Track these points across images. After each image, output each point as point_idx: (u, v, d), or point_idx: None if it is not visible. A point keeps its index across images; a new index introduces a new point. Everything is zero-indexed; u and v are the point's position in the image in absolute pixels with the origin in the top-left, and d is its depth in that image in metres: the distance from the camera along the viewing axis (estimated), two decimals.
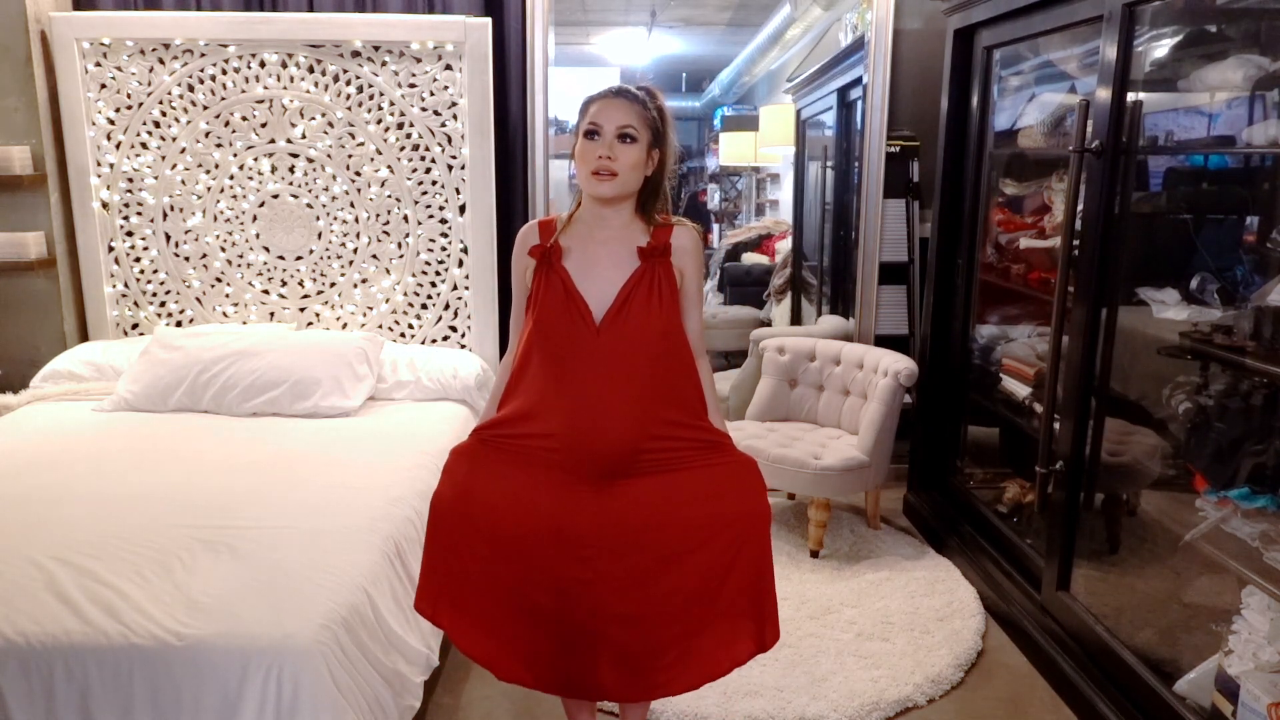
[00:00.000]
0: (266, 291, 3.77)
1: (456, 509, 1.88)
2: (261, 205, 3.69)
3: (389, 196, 3.67)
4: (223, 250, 3.72)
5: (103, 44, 3.54)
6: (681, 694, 1.96)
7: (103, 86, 3.58)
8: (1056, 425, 2.65)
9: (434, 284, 3.76)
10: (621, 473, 1.84)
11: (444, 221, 3.69)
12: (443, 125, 3.61)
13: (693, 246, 1.90)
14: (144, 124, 3.61)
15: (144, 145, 3.63)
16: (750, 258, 6.60)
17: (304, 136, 3.62)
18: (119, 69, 3.57)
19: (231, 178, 3.66)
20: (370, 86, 3.58)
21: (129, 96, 3.59)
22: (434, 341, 3.80)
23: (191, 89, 3.59)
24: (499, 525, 1.86)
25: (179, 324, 3.77)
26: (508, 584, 1.87)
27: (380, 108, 3.60)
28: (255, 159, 3.65)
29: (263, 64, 3.57)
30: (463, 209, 3.67)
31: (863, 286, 4.01)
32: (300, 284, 3.76)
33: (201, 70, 3.57)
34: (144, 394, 3.20)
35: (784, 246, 5.93)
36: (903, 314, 4.04)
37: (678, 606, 1.86)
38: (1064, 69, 3.10)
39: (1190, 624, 2.42)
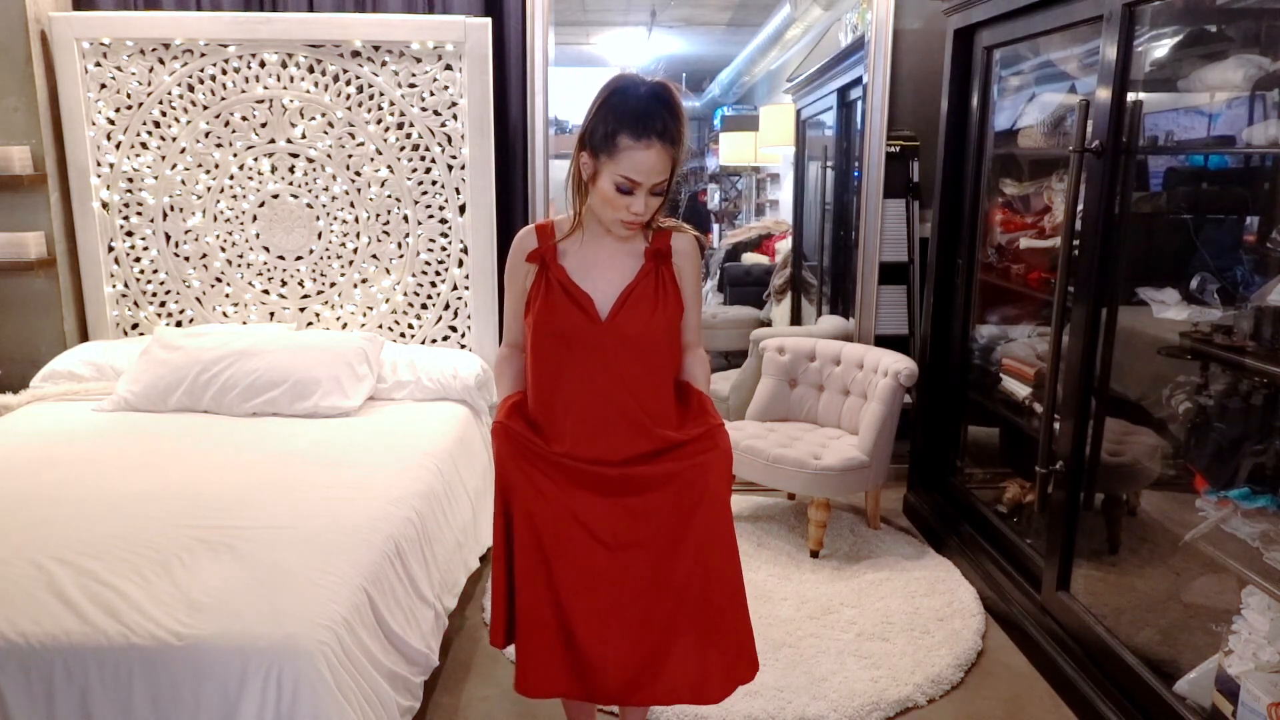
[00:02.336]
0: (266, 291, 3.77)
1: (516, 505, 1.91)
2: (261, 205, 3.69)
3: (389, 196, 3.67)
4: (223, 250, 3.72)
5: (103, 44, 3.54)
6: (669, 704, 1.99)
7: (103, 86, 3.58)
8: (1056, 425, 2.65)
9: (434, 284, 3.76)
10: (627, 463, 1.87)
11: (444, 221, 3.69)
12: (443, 125, 3.61)
13: (691, 250, 1.93)
14: (144, 124, 3.61)
15: (144, 145, 3.63)
16: (750, 258, 6.59)
17: (304, 136, 3.62)
18: (119, 69, 3.57)
19: (231, 178, 3.66)
20: (370, 86, 3.58)
21: (129, 96, 3.59)
22: (434, 341, 3.80)
23: (191, 89, 3.59)
24: (535, 526, 1.90)
25: (179, 324, 3.77)
26: (546, 586, 1.90)
27: (380, 108, 3.60)
28: (255, 159, 3.65)
29: (263, 64, 3.57)
30: (463, 209, 3.67)
31: (863, 286, 4.01)
32: (300, 284, 3.76)
33: (201, 70, 3.57)
34: (144, 394, 3.20)
35: (784, 246, 5.92)
36: (903, 314, 4.04)
37: (673, 603, 1.90)
38: (1064, 69, 3.10)
39: (1190, 624, 2.43)
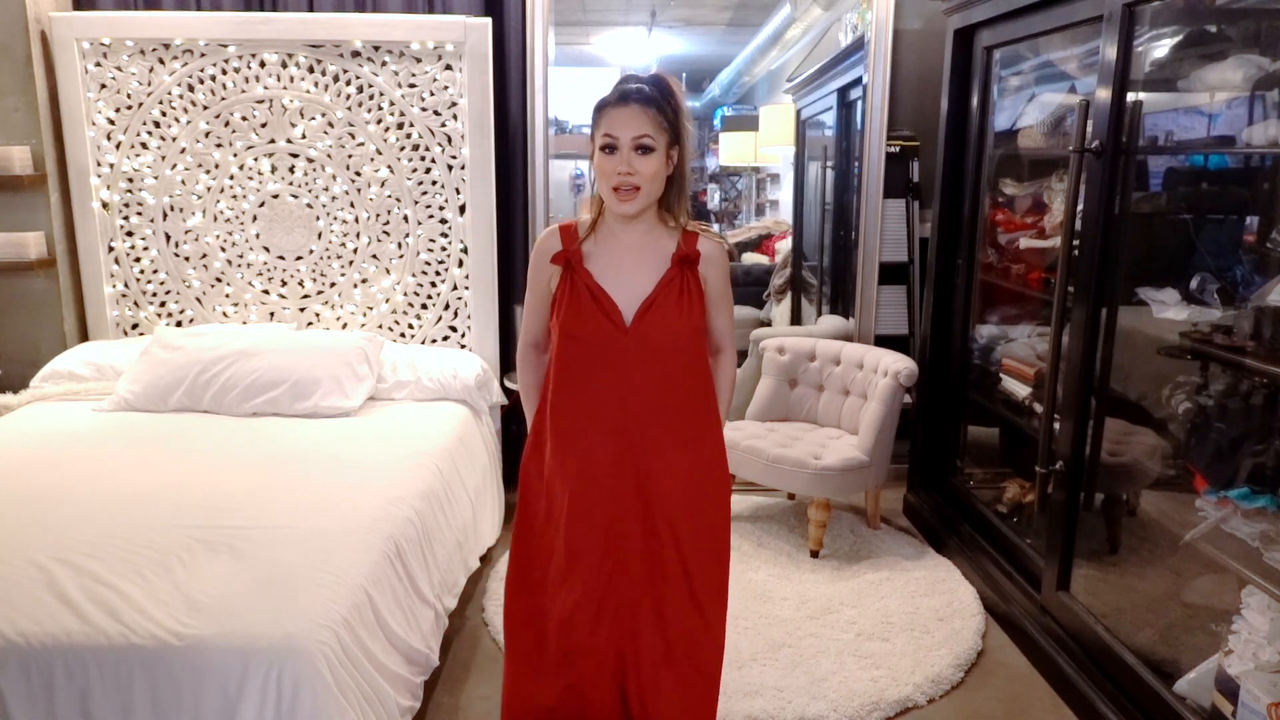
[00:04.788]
0: (266, 291, 3.77)
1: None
2: (261, 205, 3.69)
3: (389, 196, 3.67)
4: (223, 250, 3.72)
5: (103, 44, 3.54)
6: None
7: (103, 86, 3.58)
8: (1056, 425, 2.64)
9: (434, 284, 3.76)
10: (644, 470, 1.89)
11: (444, 221, 3.69)
12: (443, 125, 3.61)
13: (718, 256, 1.94)
14: (144, 124, 3.61)
15: (144, 145, 3.63)
16: (750, 258, 6.59)
17: (304, 136, 3.62)
18: (119, 69, 3.57)
19: (231, 178, 3.66)
20: (370, 86, 3.58)
21: (129, 96, 3.59)
22: (434, 341, 3.80)
23: (191, 89, 3.59)
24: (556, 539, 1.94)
25: (179, 324, 3.77)
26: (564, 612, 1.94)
27: (380, 108, 3.60)
28: (255, 159, 3.65)
29: (263, 64, 3.57)
30: (463, 209, 3.67)
31: (863, 286, 4.01)
32: (300, 284, 3.76)
33: (201, 70, 3.57)
34: (144, 394, 3.20)
35: (784, 246, 5.92)
36: (903, 314, 4.04)
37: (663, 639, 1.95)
38: (1064, 69, 3.10)
39: (1190, 624, 2.43)
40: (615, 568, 1.91)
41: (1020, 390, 3.20)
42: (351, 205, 3.68)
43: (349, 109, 3.60)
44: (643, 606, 1.93)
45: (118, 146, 3.62)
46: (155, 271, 3.74)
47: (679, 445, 1.90)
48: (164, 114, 3.60)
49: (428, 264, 3.74)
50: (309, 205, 3.68)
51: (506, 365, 3.86)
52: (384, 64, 3.57)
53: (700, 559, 1.94)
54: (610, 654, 1.95)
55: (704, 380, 1.96)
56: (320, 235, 3.71)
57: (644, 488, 1.89)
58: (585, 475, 1.89)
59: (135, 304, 3.76)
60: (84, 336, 3.74)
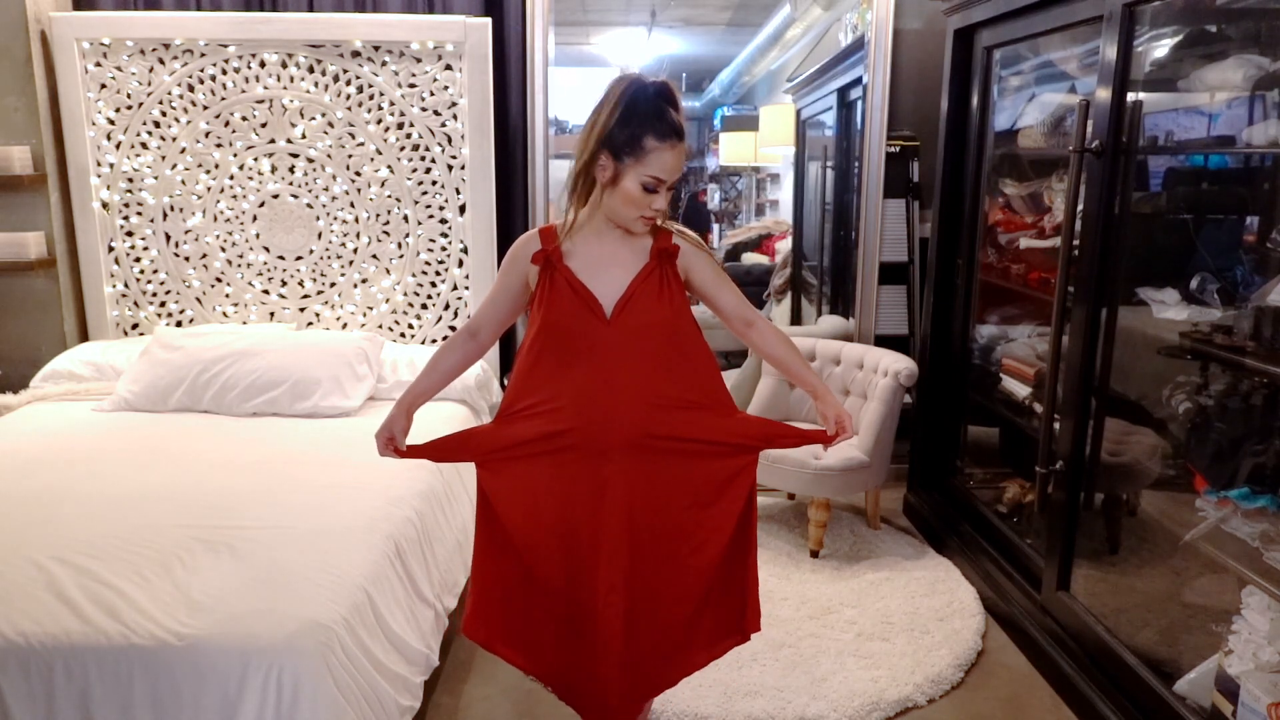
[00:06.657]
0: (266, 291, 3.77)
1: (502, 523, 1.95)
2: (261, 205, 3.69)
3: (389, 196, 3.67)
4: (223, 250, 3.73)
5: (103, 44, 3.54)
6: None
7: (103, 86, 3.58)
8: (1056, 425, 2.65)
9: (434, 284, 3.76)
10: (634, 458, 1.88)
11: (444, 221, 3.70)
12: (443, 125, 3.61)
13: (695, 248, 1.94)
14: (144, 124, 3.61)
15: (144, 145, 3.63)
16: (750, 258, 6.59)
17: (304, 136, 3.63)
18: (119, 69, 3.57)
19: (231, 178, 3.66)
20: (370, 86, 3.58)
21: (129, 96, 3.59)
22: (434, 341, 3.80)
23: (191, 89, 3.59)
24: (532, 529, 1.92)
25: (179, 324, 3.77)
26: (545, 590, 1.94)
27: (380, 108, 3.60)
28: (255, 159, 3.65)
29: (263, 64, 3.57)
30: (463, 209, 3.67)
31: (863, 286, 4.01)
32: (300, 284, 3.76)
33: (201, 70, 3.57)
34: (144, 394, 3.20)
35: (784, 246, 5.92)
36: (903, 314, 4.04)
37: (672, 602, 1.95)
38: (1064, 69, 3.10)
39: (1190, 624, 2.43)
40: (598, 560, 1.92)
41: (1020, 390, 3.20)
42: (351, 205, 3.68)
43: (349, 109, 3.60)
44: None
45: (118, 146, 3.62)
46: (155, 271, 3.74)
47: (668, 445, 1.90)
48: (164, 114, 3.60)
49: (428, 264, 3.74)
50: (309, 205, 3.69)
51: (506, 365, 3.86)
52: (384, 64, 3.57)
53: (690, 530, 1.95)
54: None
55: (696, 363, 1.95)
56: (320, 235, 3.72)
57: (628, 486, 1.89)
58: (564, 468, 1.90)
59: (135, 304, 3.76)
60: (84, 336, 3.75)
